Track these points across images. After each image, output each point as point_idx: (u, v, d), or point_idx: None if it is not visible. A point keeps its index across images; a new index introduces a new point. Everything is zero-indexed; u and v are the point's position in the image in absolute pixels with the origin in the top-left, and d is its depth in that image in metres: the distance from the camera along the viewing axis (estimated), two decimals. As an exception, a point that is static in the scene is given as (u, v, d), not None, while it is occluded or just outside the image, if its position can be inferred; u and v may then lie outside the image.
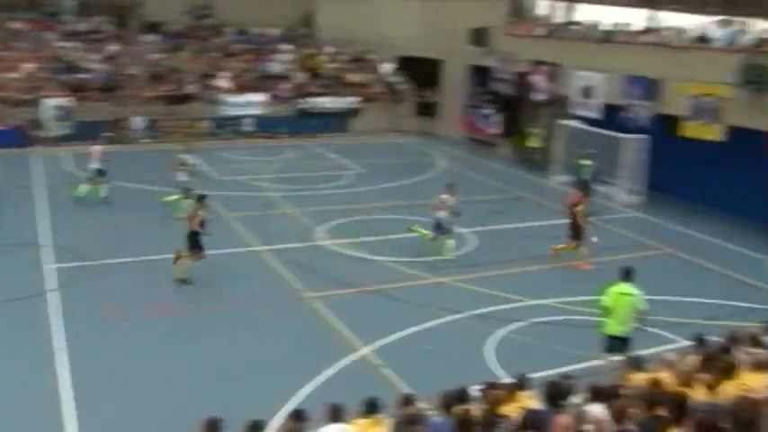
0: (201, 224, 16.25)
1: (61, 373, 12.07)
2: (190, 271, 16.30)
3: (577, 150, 25.06)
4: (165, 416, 10.90)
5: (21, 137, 30.30)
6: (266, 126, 34.10)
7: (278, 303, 15.42)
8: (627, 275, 12.44)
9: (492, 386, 8.62)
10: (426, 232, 18.81)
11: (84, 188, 22.08)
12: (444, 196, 18.80)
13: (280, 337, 13.90)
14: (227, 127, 33.57)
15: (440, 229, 18.57)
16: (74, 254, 17.61)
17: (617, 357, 11.43)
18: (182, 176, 21.10)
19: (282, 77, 36.69)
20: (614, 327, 12.26)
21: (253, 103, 34.40)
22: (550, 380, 8.28)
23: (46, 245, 18.37)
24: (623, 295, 12.21)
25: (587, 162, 23.80)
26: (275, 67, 37.10)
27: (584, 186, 22.81)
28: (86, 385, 11.65)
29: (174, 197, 20.73)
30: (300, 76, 36.88)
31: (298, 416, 8.23)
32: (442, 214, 18.55)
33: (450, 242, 18.67)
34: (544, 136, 29.71)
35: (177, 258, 16.27)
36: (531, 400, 8.38)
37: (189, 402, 11.06)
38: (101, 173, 22.38)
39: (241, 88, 34.93)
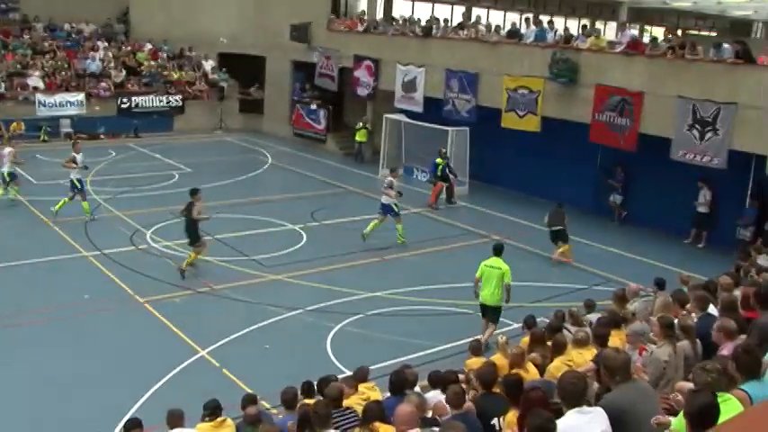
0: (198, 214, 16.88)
1: None
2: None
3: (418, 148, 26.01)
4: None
5: None
6: (86, 126, 32.68)
7: (111, 309, 14.90)
8: (497, 251, 13.83)
9: (331, 380, 8.77)
10: (375, 223, 19.60)
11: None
12: (389, 179, 19.82)
13: (115, 344, 13.42)
14: (44, 129, 31.90)
15: (392, 212, 19.55)
16: None
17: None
18: (74, 174, 20.27)
19: (100, 76, 35.28)
20: (486, 296, 13.54)
21: (70, 102, 32.94)
22: (393, 370, 8.52)
23: None
24: (491, 268, 13.50)
25: (441, 161, 24.42)
26: (92, 64, 35.59)
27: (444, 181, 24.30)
28: None
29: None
30: (119, 74, 35.59)
31: (133, 425, 8.08)
32: (390, 199, 19.50)
33: (401, 226, 19.61)
34: (369, 130, 30.26)
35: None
36: (373, 392, 8.59)
37: (24, 417, 10.54)
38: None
39: (56, 87, 33.35)
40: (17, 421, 10.69)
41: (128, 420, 8.15)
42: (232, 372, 12.40)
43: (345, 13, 34.26)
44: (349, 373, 10.02)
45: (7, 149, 22.00)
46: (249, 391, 9.96)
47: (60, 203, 20.18)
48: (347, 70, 30.96)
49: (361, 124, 30.57)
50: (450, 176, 24.54)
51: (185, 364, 12.71)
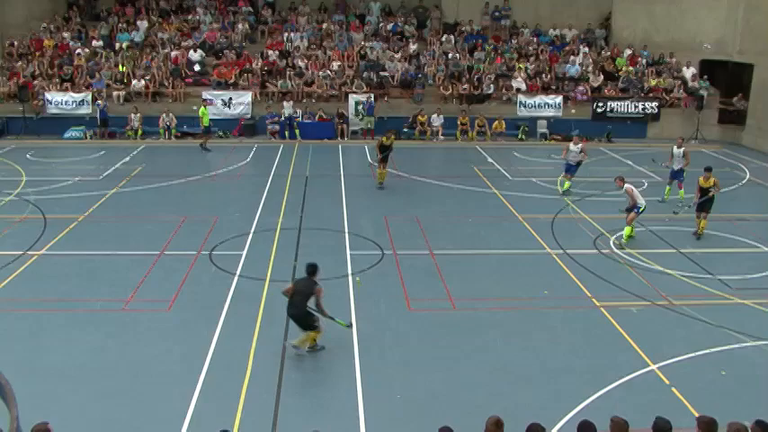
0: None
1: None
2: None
3: None
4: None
5: (331, 130, 32.89)
6: (561, 128, 33.83)
7: (567, 308, 15.22)
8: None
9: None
10: None
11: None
12: None
13: (566, 342, 13.73)
14: (522, 128, 33.72)
15: None
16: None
17: None
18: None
19: (579, 79, 36.18)
20: None
21: (548, 104, 34.41)
22: None
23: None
24: None
25: None
26: (572, 68, 36.63)
27: None
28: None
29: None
30: (597, 79, 36.13)
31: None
32: None
33: None
34: None
35: None
36: None
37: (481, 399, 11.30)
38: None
39: (537, 89, 35.09)
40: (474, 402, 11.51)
41: (580, 423, 8.23)
42: (681, 392, 11.91)
43: None
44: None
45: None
46: (696, 414, 9.47)
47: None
48: None
49: None
50: None
51: (633, 375, 12.50)
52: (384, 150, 24.18)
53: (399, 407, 11.45)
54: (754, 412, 8.51)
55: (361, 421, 11.01)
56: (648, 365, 12.83)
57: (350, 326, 13.42)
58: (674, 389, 12.06)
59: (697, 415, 8.78)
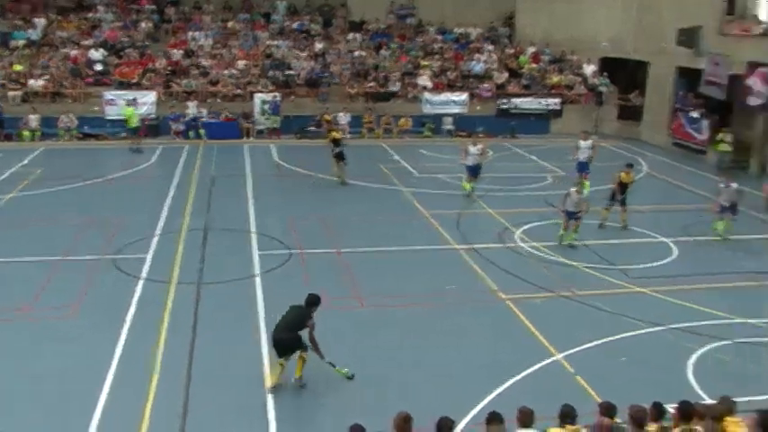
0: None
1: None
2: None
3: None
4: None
5: (236, 130, 32.48)
6: (466, 125, 34.30)
7: (473, 302, 15.44)
8: None
9: (690, 406, 8.29)
10: None
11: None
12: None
13: (471, 336, 13.93)
14: (427, 125, 34.04)
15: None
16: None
17: None
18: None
19: (483, 77, 36.75)
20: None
21: (454, 102, 34.84)
22: (760, 408, 7.82)
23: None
24: None
25: None
26: (476, 66, 37.19)
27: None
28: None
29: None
30: (501, 76, 36.78)
31: (493, 418, 8.22)
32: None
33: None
34: (732, 141, 28.72)
35: None
36: (739, 428, 7.96)
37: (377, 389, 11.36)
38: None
39: (442, 87, 35.49)
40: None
41: (489, 413, 8.34)
42: (585, 380, 12.25)
43: (742, 15, 31.90)
44: (711, 401, 9.39)
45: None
46: (599, 400, 9.74)
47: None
48: (737, 78, 28.90)
49: (725, 135, 29.05)
50: None
51: (539, 365, 12.79)
52: (338, 145, 24.19)
53: (308, 404, 11.43)
54: (652, 395, 8.80)
55: (271, 420, 10.95)
56: (553, 355, 13.14)
57: (352, 377, 12.19)
58: (578, 377, 12.39)
59: (599, 401, 9.06)
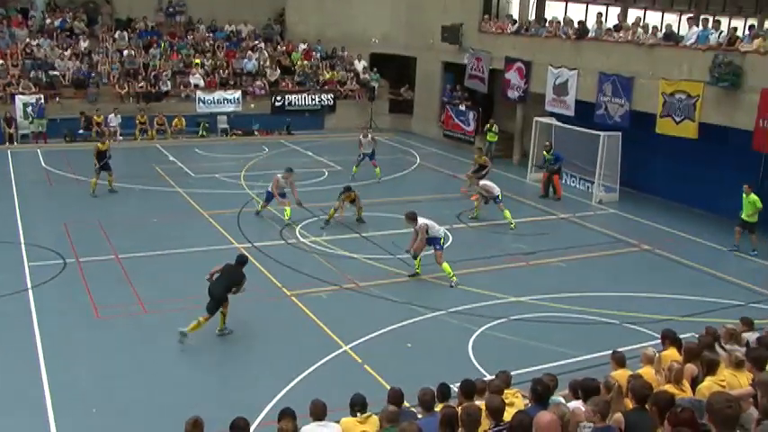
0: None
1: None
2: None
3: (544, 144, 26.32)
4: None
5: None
6: (241, 123, 33.98)
7: (259, 300, 15.33)
8: None
9: (471, 384, 8.69)
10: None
11: None
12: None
13: (261, 334, 13.84)
14: (203, 125, 33.36)
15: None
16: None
17: None
18: None
19: (256, 75, 36.56)
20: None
21: (227, 100, 34.39)
22: (535, 378, 8.35)
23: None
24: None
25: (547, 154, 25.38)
26: (249, 64, 36.92)
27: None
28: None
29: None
30: (275, 74, 36.75)
31: (285, 414, 8.20)
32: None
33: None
34: (497, 131, 30.42)
35: None
36: (517, 399, 8.45)
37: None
38: None
39: (215, 85, 34.90)
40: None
41: (282, 410, 8.31)
42: (373, 368, 12.53)
43: (497, 14, 33.94)
44: (490, 377, 9.91)
45: None
46: (388, 387, 9.99)
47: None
48: (498, 72, 30.74)
49: (488, 126, 30.69)
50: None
51: (328, 357, 12.95)
52: (103, 158, 22.85)
53: (97, 421, 10.84)
54: (439, 377, 9.15)
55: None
56: (341, 347, 13.35)
57: None
58: (366, 366, 12.66)
59: (388, 387, 9.30)
